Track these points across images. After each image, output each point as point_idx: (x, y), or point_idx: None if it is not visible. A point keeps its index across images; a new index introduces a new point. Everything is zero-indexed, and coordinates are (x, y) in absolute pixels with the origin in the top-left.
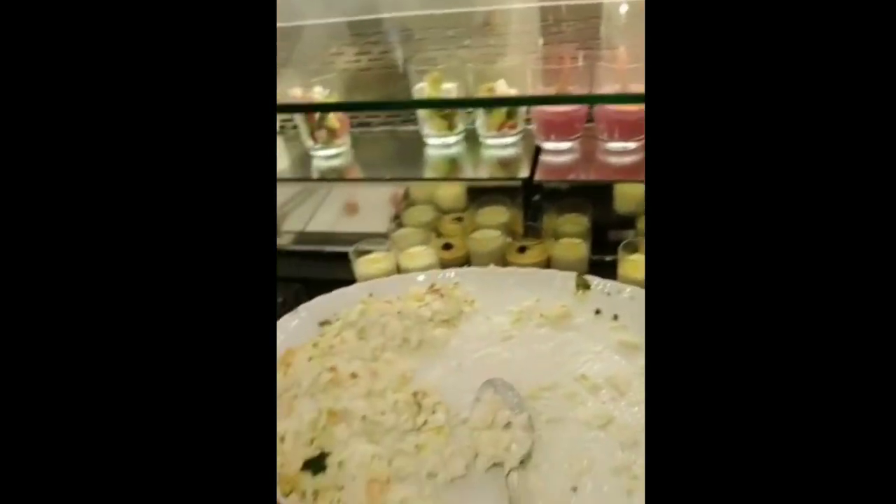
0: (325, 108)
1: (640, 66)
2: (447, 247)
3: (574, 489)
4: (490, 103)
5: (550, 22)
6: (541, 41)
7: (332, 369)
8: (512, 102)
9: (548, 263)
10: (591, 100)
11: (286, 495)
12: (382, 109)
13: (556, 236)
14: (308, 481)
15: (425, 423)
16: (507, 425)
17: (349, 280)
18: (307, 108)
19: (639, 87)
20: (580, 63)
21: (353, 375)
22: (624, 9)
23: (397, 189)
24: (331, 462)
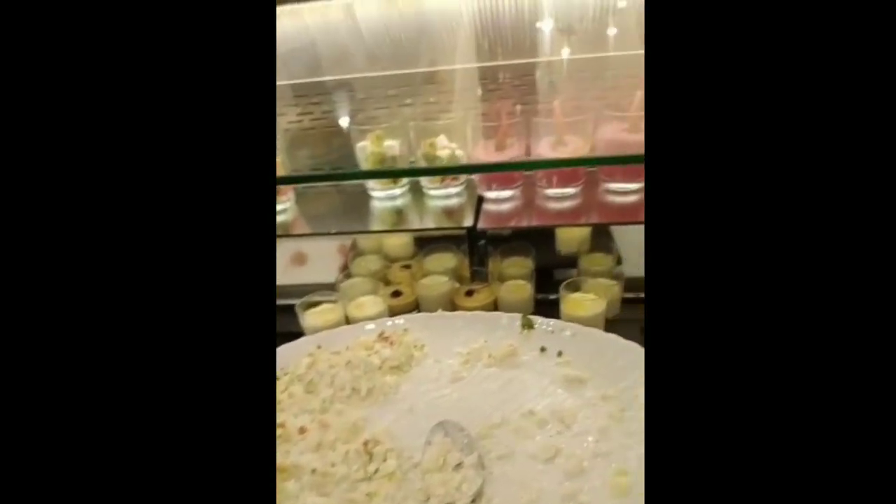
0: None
1: (575, 119)
2: (396, 294)
3: None
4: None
5: (488, 79)
6: (480, 98)
7: (281, 425)
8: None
9: (495, 305)
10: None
11: None
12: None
13: (502, 279)
14: None
15: (377, 471)
16: (458, 466)
17: (297, 333)
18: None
19: (573, 139)
20: (518, 118)
21: (302, 430)
22: (557, 66)
23: (345, 240)
24: None
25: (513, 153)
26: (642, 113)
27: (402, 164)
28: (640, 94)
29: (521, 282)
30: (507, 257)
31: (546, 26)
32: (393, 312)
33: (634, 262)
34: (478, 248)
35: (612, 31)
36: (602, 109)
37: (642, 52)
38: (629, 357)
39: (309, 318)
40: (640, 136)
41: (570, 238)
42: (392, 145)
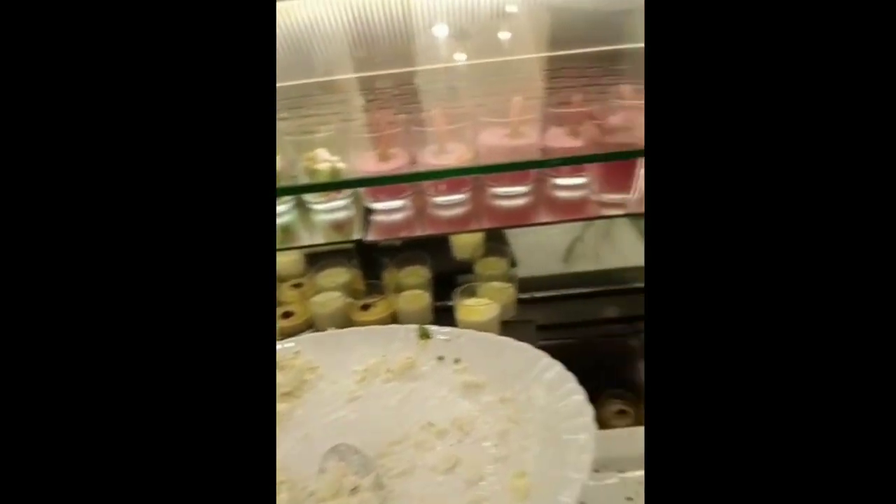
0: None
1: (457, 126)
2: (286, 315)
3: None
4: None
5: (368, 90)
6: (360, 108)
7: None
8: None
9: (394, 317)
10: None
11: None
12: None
13: (399, 289)
14: None
15: None
16: (354, 489)
17: None
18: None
19: (457, 146)
20: (400, 127)
21: None
22: (440, 74)
23: None
24: None
25: (397, 163)
26: (521, 118)
27: (283, 180)
28: (517, 100)
29: (419, 291)
30: (402, 267)
31: (427, 33)
32: (285, 334)
33: (528, 264)
34: (372, 260)
35: (500, 36)
36: (480, 116)
37: (526, 56)
38: (524, 358)
39: None
40: (520, 141)
41: (465, 244)
42: None
